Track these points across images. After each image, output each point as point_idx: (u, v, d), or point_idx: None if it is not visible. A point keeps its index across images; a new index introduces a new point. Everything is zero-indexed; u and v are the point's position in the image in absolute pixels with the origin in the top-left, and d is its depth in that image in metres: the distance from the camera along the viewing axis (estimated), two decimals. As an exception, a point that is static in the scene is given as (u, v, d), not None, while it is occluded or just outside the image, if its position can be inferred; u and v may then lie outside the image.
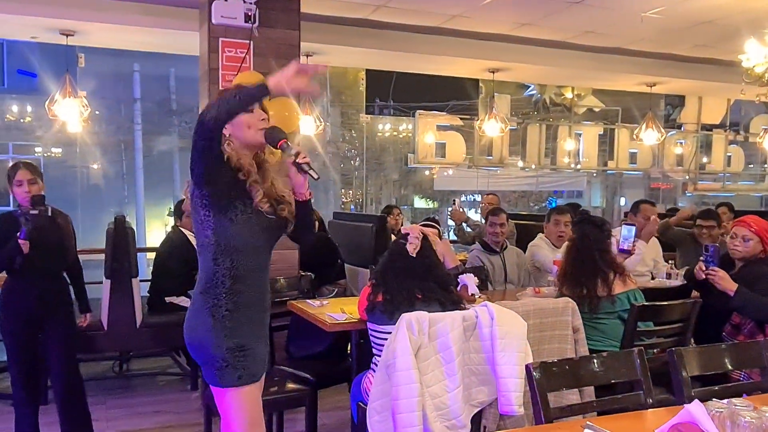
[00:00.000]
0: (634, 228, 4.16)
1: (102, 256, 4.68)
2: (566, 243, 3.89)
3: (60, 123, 5.94)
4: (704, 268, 3.39)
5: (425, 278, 2.83)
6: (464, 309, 2.81)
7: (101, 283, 4.60)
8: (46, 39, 5.79)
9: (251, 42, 4.35)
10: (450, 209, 6.82)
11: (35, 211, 3.22)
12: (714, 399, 1.69)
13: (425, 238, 2.92)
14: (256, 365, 2.25)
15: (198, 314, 2.19)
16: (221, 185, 2.16)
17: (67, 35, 5.48)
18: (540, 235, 5.22)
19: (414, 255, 2.86)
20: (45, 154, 16.00)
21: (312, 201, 2.45)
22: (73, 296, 3.65)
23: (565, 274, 3.57)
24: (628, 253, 4.08)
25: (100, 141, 14.79)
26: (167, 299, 4.80)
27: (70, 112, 5.67)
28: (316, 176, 2.26)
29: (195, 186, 2.17)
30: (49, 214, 3.31)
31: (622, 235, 4.16)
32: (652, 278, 4.82)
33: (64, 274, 3.57)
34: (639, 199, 5.35)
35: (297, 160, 2.22)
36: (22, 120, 15.47)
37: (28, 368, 3.41)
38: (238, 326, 2.19)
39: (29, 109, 15.24)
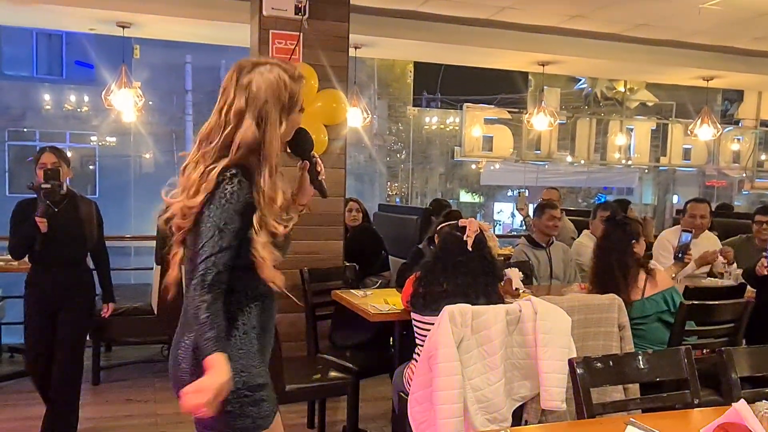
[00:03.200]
0: (690, 235, 4.05)
1: (153, 243, 4.81)
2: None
3: (115, 113, 6.12)
4: (766, 264, 3.30)
5: (477, 274, 2.81)
6: (507, 303, 2.80)
7: (152, 269, 4.74)
8: (104, 31, 5.95)
9: (301, 34, 4.39)
10: (516, 202, 6.76)
11: (47, 185, 3.18)
12: (763, 400, 1.65)
13: (481, 232, 2.90)
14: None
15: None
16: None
17: (123, 27, 5.63)
18: (585, 231, 5.14)
19: (471, 249, 2.84)
20: (100, 143, 16.48)
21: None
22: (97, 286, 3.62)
23: (591, 277, 3.54)
24: (683, 262, 3.98)
25: (153, 131, 15.15)
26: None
27: (125, 102, 5.83)
28: (325, 194, 2.06)
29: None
30: (64, 191, 3.27)
31: (680, 242, 4.07)
32: (712, 275, 4.68)
33: (89, 263, 3.55)
34: (690, 199, 5.20)
35: (319, 177, 1.98)
36: (79, 110, 15.96)
37: (38, 357, 3.40)
38: (251, 355, 1.77)
39: (86, 99, 15.72)
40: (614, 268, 3.36)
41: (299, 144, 1.92)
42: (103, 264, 3.65)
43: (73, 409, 3.49)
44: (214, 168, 1.66)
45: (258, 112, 1.70)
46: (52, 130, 16.03)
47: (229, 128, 1.69)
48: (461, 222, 2.99)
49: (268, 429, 1.77)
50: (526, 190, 14.80)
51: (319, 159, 2.00)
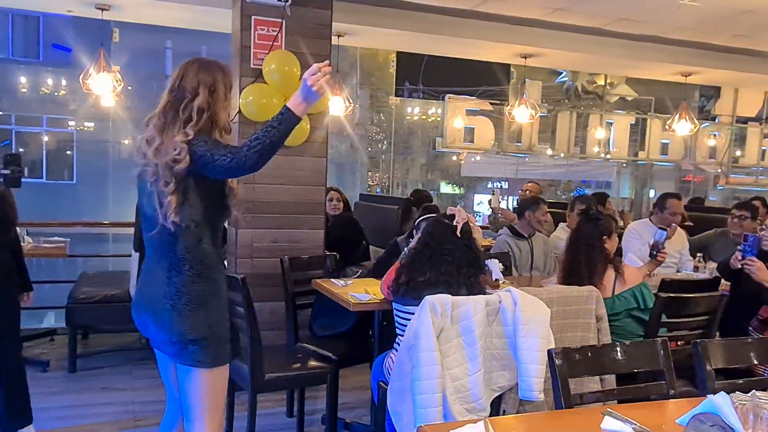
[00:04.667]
0: (665, 233, 4.08)
1: (132, 230, 4.77)
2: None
3: (93, 97, 6.02)
4: (741, 258, 3.34)
5: (462, 264, 2.81)
6: (488, 294, 2.81)
7: (131, 255, 4.69)
8: (82, 13, 5.84)
9: (283, 21, 4.36)
10: (490, 198, 6.76)
11: None
12: (737, 392, 1.68)
13: (467, 222, 2.91)
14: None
15: (195, 295, 2.19)
16: None
17: (102, 9, 5.53)
18: (561, 225, 5.19)
19: (459, 235, 2.85)
20: (78, 128, 16.24)
21: None
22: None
23: (560, 269, 3.54)
24: (656, 260, 4.01)
25: (132, 116, 14.93)
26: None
27: (104, 86, 5.74)
28: None
29: (205, 175, 2.17)
30: None
31: (655, 239, 4.09)
32: (677, 271, 4.76)
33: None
34: (665, 193, 5.17)
35: None
36: (56, 93, 15.69)
37: None
38: (222, 306, 2.29)
39: (63, 82, 15.46)
40: (581, 262, 3.36)
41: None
42: (18, 251, 3.51)
43: (19, 397, 3.38)
44: (186, 132, 2.14)
45: (209, 88, 2.21)
46: (28, 113, 15.75)
47: (185, 101, 2.18)
48: (449, 210, 2.99)
49: (226, 366, 2.30)
50: (500, 187, 14.89)
51: None
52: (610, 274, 3.37)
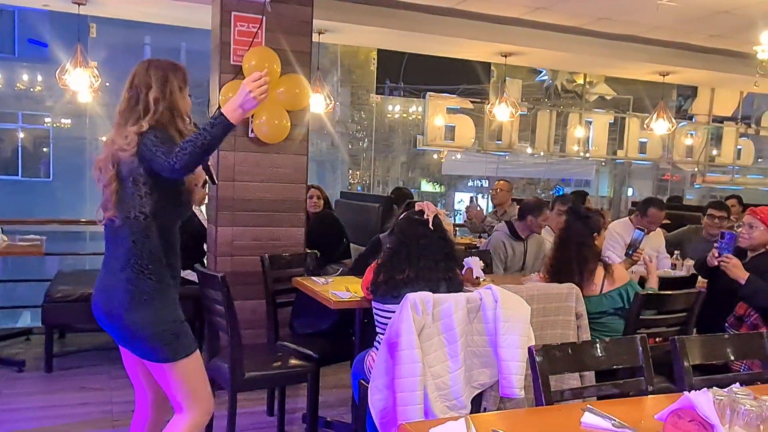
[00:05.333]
0: (642, 233, 4.12)
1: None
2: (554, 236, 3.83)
3: (70, 93, 5.94)
4: (717, 255, 3.38)
5: (439, 258, 2.82)
6: (468, 291, 2.82)
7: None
8: (58, 7, 5.76)
9: (264, 17, 4.33)
10: (467, 206, 6.77)
11: None
12: (715, 387, 1.70)
13: (436, 215, 2.91)
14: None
15: (139, 291, 2.20)
16: None
17: (79, 4, 5.45)
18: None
19: (432, 228, 2.85)
20: (54, 125, 16.02)
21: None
22: None
23: (547, 266, 3.55)
24: (632, 259, 4.05)
25: (109, 113, 14.73)
26: (173, 272, 4.83)
27: (81, 82, 5.66)
28: (215, 182, 2.47)
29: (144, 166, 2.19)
30: None
31: (632, 238, 4.13)
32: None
33: None
34: (650, 200, 5.19)
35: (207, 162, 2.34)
36: (32, 89, 15.45)
37: None
38: (173, 300, 2.29)
39: (39, 78, 15.22)
40: (572, 261, 3.38)
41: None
42: None
43: None
44: (141, 124, 2.18)
45: (161, 80, 2.25)
46: (3, 110, 15.49)
47: (140, 96, 2.23)
48: (417, 206, 2.99)
49: (196, 353, 2.31)
50: (478, 198, 14.93)
51: None
52: (600, 272, 3.40)
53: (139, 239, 2.20)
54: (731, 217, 5.20)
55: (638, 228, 4.30)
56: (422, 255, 2.80)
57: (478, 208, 6.60)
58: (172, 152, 2.06)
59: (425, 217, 2.87)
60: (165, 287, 2.25)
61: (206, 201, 4.57)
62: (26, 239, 4.72)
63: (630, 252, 4.08)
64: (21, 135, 16.40)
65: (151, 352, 2.22)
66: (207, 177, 2.39)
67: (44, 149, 16.24)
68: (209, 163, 2.34)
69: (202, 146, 2.05)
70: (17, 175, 15.96)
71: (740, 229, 3.54)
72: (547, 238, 4.76)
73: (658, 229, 5.08)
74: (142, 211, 2.18)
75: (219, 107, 2.16)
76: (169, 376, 2.27)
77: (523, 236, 4.71)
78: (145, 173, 2.17)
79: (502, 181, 6.72)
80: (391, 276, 2.81)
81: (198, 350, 2.33)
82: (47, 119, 15.96)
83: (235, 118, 2.11)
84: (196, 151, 2.05)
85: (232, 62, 4.33)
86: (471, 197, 14.40)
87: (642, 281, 3.83)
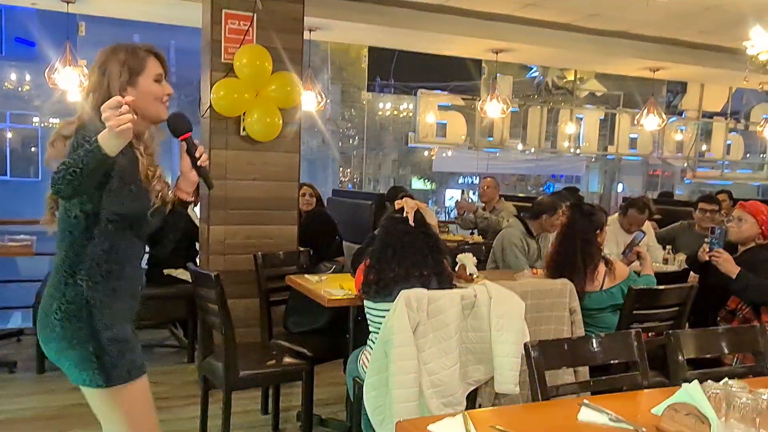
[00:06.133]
0: (643, 236, 4.13)
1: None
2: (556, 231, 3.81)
3: (59, 92, 5.90)
4: (708, 250, 3.40)
5: (426, 252, 2.82)
6: (461, 288, 2.82)
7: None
8: (46, 6, 5.72)
9: (255, 15, 4.31)
10: (457, 200, 6.78)
11: None
12: (709, 380, 1.71)
13: (417, 210, 2.91)
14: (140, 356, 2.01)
15: (70, 300, 1.88)
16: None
17: (68, 2, 5.42)
18: None
19: (413, 224, 2.85)
20: (43, 124, 15.92)
21: (191, 206, 2.25)
22: None
23: (549, 261, 3.53)
24: (627, 259, 4.06)
25: (99, 112, 14.68)
26: (165, 272, 4.82)
27: (70, 80, 5.62)
28: (211, 186, 2.12)
29: None
30: None
31: (632, 239, 4.14)
32: None
33: None
34: (634, 200, 5.11)
35: (199, 163, 2.05)
36: (20, 89, 15.35)
37: None
38: (117, 314, 1.94)
39: (27, 77, 15.12)
40: (577, 257, 3.37)
41: (170, 122, 2.04)
42: None
43: None
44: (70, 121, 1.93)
45: (100, 68, 1.95)
46: (-10, 109, 15.38)
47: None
48: (397, 204, 3.00)
49: (141, 380, 1.96)
50: (460, 177, 14.95)
51: (197, 144, 2.07)
52: (602, 268, 3.41)
53: (78, 242, 1.88)
54: (722, 212, 5.23)
55: (641, 230, 4.33)
56: (408, 252, 2.80)
57: (470, 200, 6.61)
58: (56, 169, 1.71)
59: (404, 214, 2.88)
60: (109, 299, 1.91)
61: (198, 200, 4.56)
62: (16, 240, 4.68)
63: (627, 252, 4.10)
64: (9, 135, 16.29)
65: (80, 374, 1.89)
66: (203, 181, 2.09)
67: (33, 149, 16.13)
68: (202, 165, 2.05)
69: (74, 174, 1.67)
70: (6, 175, 15.86)
71: (730, 223, 3.56)
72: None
73: (648, 226, 5.10)
74: (83, 209, 1.86)
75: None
76: (101, 404, 1.95)
77: (535, 234, 4.72)
78: None
79: (489, 179, 6.73)
80: (381, 276, 2.80)
81: (144, 376, 1.98)
82: (35, 119, 15.86)
83: (109, 148, 1.68)
84: (68, 178, 1.67)
85: (223, 60, 4.31)
86: (461, 191, 14.42)
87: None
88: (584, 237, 3.43)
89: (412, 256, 2.80)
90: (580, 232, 3.45)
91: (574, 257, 3.38)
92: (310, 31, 6.03)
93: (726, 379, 1.74)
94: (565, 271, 3.35)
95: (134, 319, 2.03)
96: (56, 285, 1.89)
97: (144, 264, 4.92)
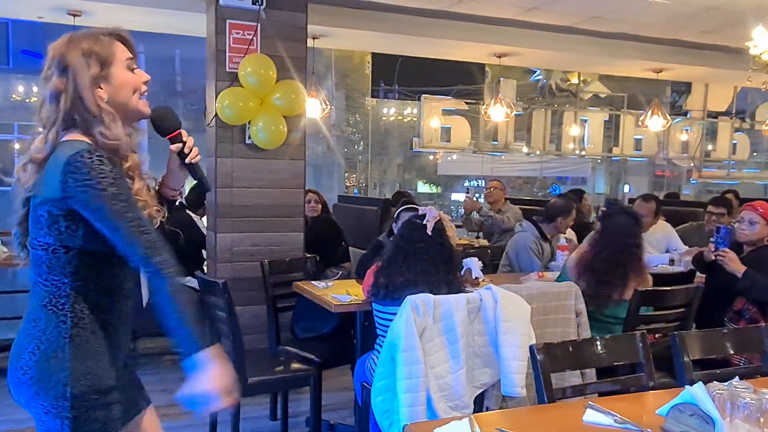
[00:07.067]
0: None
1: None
2: (593, 232, 3.58)
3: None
4: (713, 249, 3.40)
5: (438, 262, 2.83)
6: (468, 292, 2.84)
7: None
8: (53, 19, 5.77)
9: (258, 24, 4.35)
10: (464, 198, 6.78)
11: None
12: (715, 381, 1.72)
13: (439, 221, 2.93)
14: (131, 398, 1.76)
15: (42, 342, 1.58)
16: None
17: (74, 15, 5.48)
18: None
19: (431, 233, 2.87)
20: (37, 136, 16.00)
21: (178, 203, 1.96)
22: None
23: (586, 265, 3.32)
24: None
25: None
26: (173, 280, 4.85)
27: (77, 92, 5.66)
28: (208, 187, 1.95)
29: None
30: None
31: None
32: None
33: None
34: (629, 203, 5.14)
35: (188, 159, 1.78)
36: (27, 100, 15.45)
37: None
38: (104, 353, 1.64)
39: (35, 89, 15.21)
40: (626, 264, 3.25)
41: (155, 119, 1.75)
42: None
43: None
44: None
45: (61, 63, 1.59)
46: (-2, 121, 15.47)
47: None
48: (421, 210, 3.02)
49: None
50: (476, 185, 14.95)
51: (188, 139, 1.78)
52: (633, 280, 3.29)
53: (59, 272, 1.58)
54: (733, 213, 5.20)
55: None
56: (420, 259, 2.82)
57: (474, 198, 6.62)
58: None
59: (425, 222, 2.89)
60: (95, 336, 1.62)
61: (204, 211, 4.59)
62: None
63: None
64: (17, 146, 16.40)
65: (52, 422, 1.59)
66: (197, 180, 1.86)
67: (40, 160, 16.21)
68: (193, 161, 1.80)
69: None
70: (9, 186, 15.94)
71: (737, 224, 3.56)
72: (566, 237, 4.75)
73: (664, 222, 5.09)
74: (64, 244, 1.56)
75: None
76: None
77: (549, 237, 4.72)
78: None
79: (495, 181, 6.74)
80: (391, 279, 2.83)
81: (130, 424, 1.73)
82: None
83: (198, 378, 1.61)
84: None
85: (227, 69, 4.35)
86: (467, 188, 14.39)
87: None
88: (631, 242, 3.29)
89: (423, 263, 2.82)
90: (632, 236, 3.30)
91: (622, 265, 3.24)
92: (313, 38, 6.06)
93: (731, 381, 1.75)
94: (612, 277, 3.24)
95: (128, 351, 1.77)
96: (34, 321, 1.59)
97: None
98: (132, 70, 1.67)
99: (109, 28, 1.68)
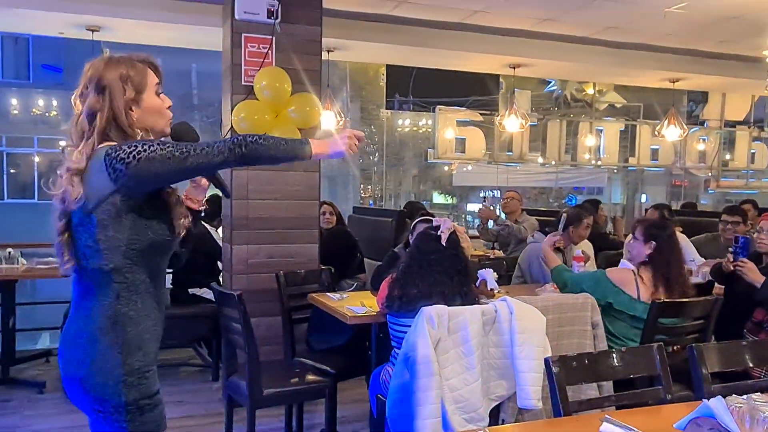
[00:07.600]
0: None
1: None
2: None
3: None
4: (732, 260, 3.36)
5: (452, 273, 2.83)
6: (483, 303, 2.83)
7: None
8: (73, 35, 5.87)
9: (273, 38, 4.39)
10: (480, 207, 6.79)
11: None
12: (734, 395, 1.70)
13: (454, 232, 2.93)
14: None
15: (104, 347, 1.67)
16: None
17: (93, 31, 5.57)
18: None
19: (445, 244, 2.87)
20: (69, 148, 16.22)
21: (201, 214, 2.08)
22: None
23: (663, 275, 3.32)
24: None
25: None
26: (190, 291, 4.88)
27: (96, 106, 5.74)
28: (229, 194, 2.03)
29: (130, 188, 1.64)
30: None
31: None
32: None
33: None
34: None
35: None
36: (47, 114, 15.69)
37: None
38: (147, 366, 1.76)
39: (54, 103, 15.46)
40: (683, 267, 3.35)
41: (176, 136, 1.85)
42: None
43: None
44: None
45: (99, 83, 1.72)
46: (19, 134, 15.73)
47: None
48: (435, 221, 3.02)
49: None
50: (492, 195, 14.92)
51: None
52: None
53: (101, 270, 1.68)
54: (747, 222, 5.15)
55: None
56: (434, 270, 2.82)
57: (491, 208, 6.61)
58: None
59: (439, 233, 2.89)
60: (138, 315, 1.72)
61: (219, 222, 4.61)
62: (44, 262, 4.78)
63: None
64: (36, 159, 16.63)
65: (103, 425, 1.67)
66: (219, 190, 1.98)
67: (59, 172, 16.44)
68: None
69: (263, 144, 1.70)
70: (34, 198, 16.15)
71: (756, 234, 3.52)
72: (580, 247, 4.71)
73: (680, 233, 5.05)
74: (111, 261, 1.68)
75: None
76: None
77: (562, 247, 4.69)
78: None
79: (512, 191, 6.73)
80: (406, 291, 2.83)
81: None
82: (62, 143, 16.16)
83: (317, 152, 1.77)
84: (258, 146, 1.68)
85: (243, 82, 4.39)
86: (483, 197, 14.36)
87: None
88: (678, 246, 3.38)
89: (436, 274, 2.82)
90: (676, 243, 3.39)
91: (681, 269, 3.34)
92: (328, 51, 6.11)
93: (751, 395, 1.72)
94: (679, 284, 3.29)
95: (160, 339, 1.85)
96: (88, 331, 1.68)
97: (168, 284, 5.01)
98: (158, 94, 1.81)
99: (142, 54, 1.82)
